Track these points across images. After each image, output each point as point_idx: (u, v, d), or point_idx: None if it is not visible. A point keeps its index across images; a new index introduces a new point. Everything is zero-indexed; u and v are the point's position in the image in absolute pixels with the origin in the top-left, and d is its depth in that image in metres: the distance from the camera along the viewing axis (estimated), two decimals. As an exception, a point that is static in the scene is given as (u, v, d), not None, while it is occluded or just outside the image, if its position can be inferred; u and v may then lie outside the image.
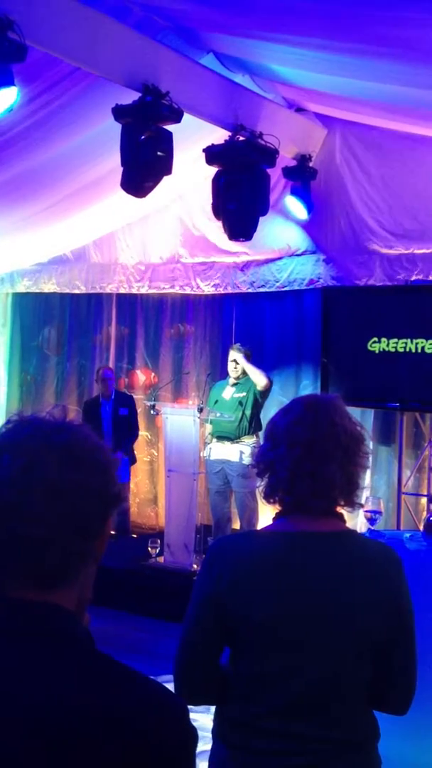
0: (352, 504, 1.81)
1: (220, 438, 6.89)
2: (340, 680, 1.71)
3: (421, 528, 5.00)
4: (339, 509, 1.81)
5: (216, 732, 1.80)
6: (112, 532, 7.73)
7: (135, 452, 8.05)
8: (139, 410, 8.14)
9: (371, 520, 3.81)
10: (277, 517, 1.82)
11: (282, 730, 1.70)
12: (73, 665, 1.05)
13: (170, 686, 1.41)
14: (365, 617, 1.71)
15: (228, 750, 1.76)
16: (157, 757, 1.01)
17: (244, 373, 6.90)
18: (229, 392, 6.96)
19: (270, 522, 1.85)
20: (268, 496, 1.80)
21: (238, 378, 6.93)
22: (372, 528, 3.81)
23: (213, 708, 1.86)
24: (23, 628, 1.05)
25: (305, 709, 1.70)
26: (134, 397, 8.25)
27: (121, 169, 5.47)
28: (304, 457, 1.73)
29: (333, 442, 1.74)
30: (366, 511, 3.75)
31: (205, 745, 1.77)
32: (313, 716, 1.70)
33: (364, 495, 3.88)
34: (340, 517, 1.81)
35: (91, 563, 1.12)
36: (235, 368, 6.91)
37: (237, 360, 6.87)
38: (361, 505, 1.90)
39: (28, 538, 1.04)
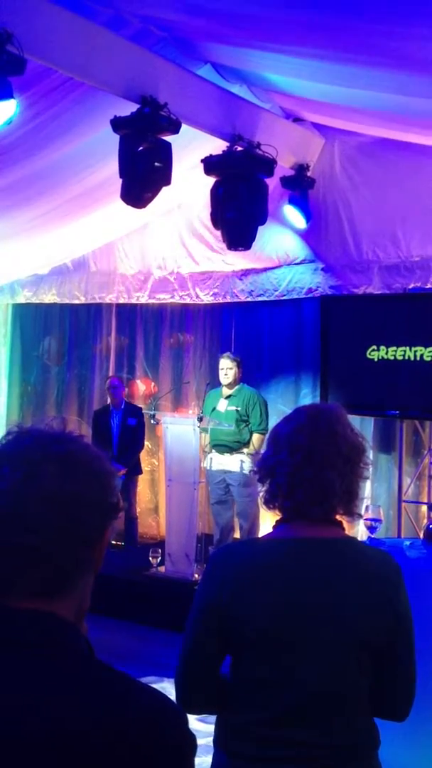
0: (351, 514, 1.82)
1: (220, 448, 6.91)
2: (340, 687, 1.72)
3: (422, 536, 5.01)
4: (339, 517, 1.82)
5: (217, 740, 1.81)
6: (120, 543, 7.74)
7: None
8: (141, 420, 8.17)
9: (371, 528, 3.82)
10: (278, 525, 1.84)
11: (283, 737, 1.70)
12: (72, 675, 1.05)
13: (171, 695, 1.42)
14: (365, 624, 1.72)
15: (229, 758, 1.76)
16: (157, 762, 1.02)
17: (236, 381, 6.94)
18: (223, 405, 6.99)
19: (271, 529, 1.87)
20: (268, 502, 1.82)
21: (230, 386, 6.96)
22: (372, 536, 3.82)
23: (213, 717, 1.87)
24: (23, 639, 1.06)
25: (306, 716, 1.70)
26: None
27: (118, 178, 5.50)
28: (305, 464, 1.75)
29: (333, 450, 1.76)
30: (366, 519, 3.76)
31: (206, 756, 1.78)
32: (313, 723, 1.70)
33: (364, 504, 3.89)
34: (340, 524, 1.82)
35: (89, 573, 1.13)
36: (226, 375, 6.95)
37: (231, 368, 6.92)
38: (360, 516, 1.92)
39: (27, 547, 1.05)
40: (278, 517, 1.86)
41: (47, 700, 1.02)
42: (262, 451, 1.90)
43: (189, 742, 1.06)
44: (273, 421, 6.96)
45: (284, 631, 1.71)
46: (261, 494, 1.83)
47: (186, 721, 1.08)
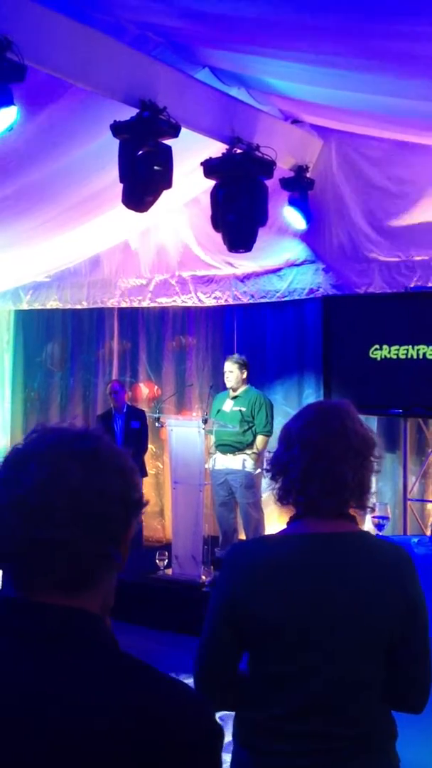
0: (363, 507, 1.85)
1: (223, 449, 6.93)
2: (357, 679, 1.74)
3: (429, 533, 5.02)
4: (352, 512, 1.84)
5: (237, 736, 1.83)
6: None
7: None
8: (145, 423, 8.19)
9: (379, 526, 3.84)
10: (291, 521, 1.86)
11: (301, 730, 1.72)
12: (101, 667, 1.08)
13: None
14: (380, 616, 1.74)
15: (249, 754, 1.78)
16: (184, 754, 1.04)
17: (240, 383, 6.97)
18: (228, 405, 7.01)
19: (281, 528, 1.89)
20: (282, 498, 1.84)
21: (235, 389, 6.99)
22: (380, 534, 3.83)
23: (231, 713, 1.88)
24: (52, 633, 1.08)
25: (323, 709, 1.72)
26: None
27: (118, 184, 5.52)
28: (317, 458, 1.78)
29: (344, 443, 1.79)
30: (374, 517, 3.78)
31: (225, 754, 1.80)
32: (331, 715, 1.72)
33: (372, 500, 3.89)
34: (353, 519, 1.84)
35: (114, 568, 1.16)
36: (228, 378, 6.99)
37: (232, 371, 6.94)
38: (372, 509, 1.94)
39: (55, 542, 1.07)
40: (288, 516, 1.88)
41: (76, 692, 1.04)
42: (266, 452, 1.92)
43: (216, 734, 1.08)
44: (278, 422, 6.99)
45: (300, 626, 1.73)
46: (275, 491, 1.85)
47: (213, 711, 1.10)
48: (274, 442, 7.22)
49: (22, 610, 1.10)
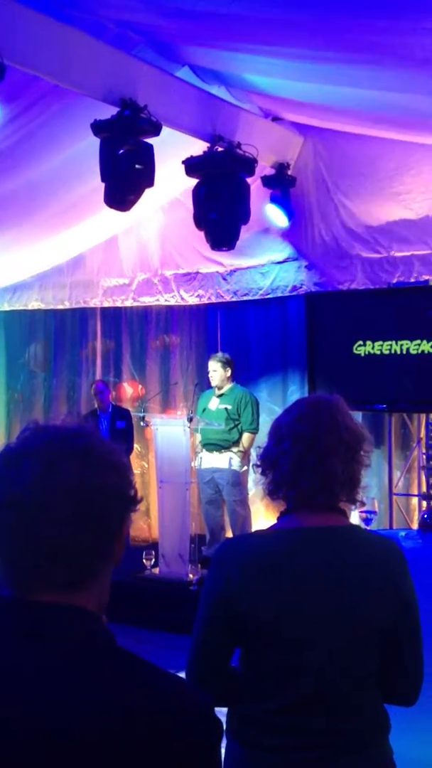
0: (354, 501, 1.85)
1: (209, 447, 6.93)
2: (350, 673, 1.75)
3: (415, 526, 5.05)
4: (342, 506, 1.85)
5: (230, 730, 1.83)
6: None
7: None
8: (130, 423, 8.17)
9: (366, 521, 3.86)
10: (282, 516, 1.86)
11: (295, 725, 1.73)
12: (99, 664, 1.07)
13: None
14: (372, 609, 1.75)
15: (243, 748, 1.78)
16: (184, 750, 1.04)
17: (224, 381, 6.97)
18: (214, 403, 7.01)
19: (268, 525, 1.89)
20: (272, 493, 1.84)
21: (220, 387, 6.99)
22: (367, 528, 3.85)
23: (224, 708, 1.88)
24: (49, 632, 1.07)
25: (317, 703, 1.73)
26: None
27: (100, 184, 5.51)
28: (307, 452, 1.78)
29: (335, 437, 1.79)
30: (361, 512, 3.79)
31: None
32: (324, 710, 1.73)
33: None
34: (343, 512, 1.85)
35: (109, 565, 1.15)
36: (212, 377, 7.00)
37: (215, 370, 6.95)
38: (363, 503, 1.95)
39: (51, 539, 1.07)
40: (277, 512, 1.89)
41: (76, 692, 1.04)
42: (257, 448, 1.91)
43: (218, 731, 1.09)
44: (263, 420, 7.01)
45: (292, 620, 1.73)
46: (264, 485, 1.85)
47: (212, 707, 1.10)
48: (259, 440, 7.25)
49: (18, 609, 1.09)
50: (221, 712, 1.90)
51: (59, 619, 1.08)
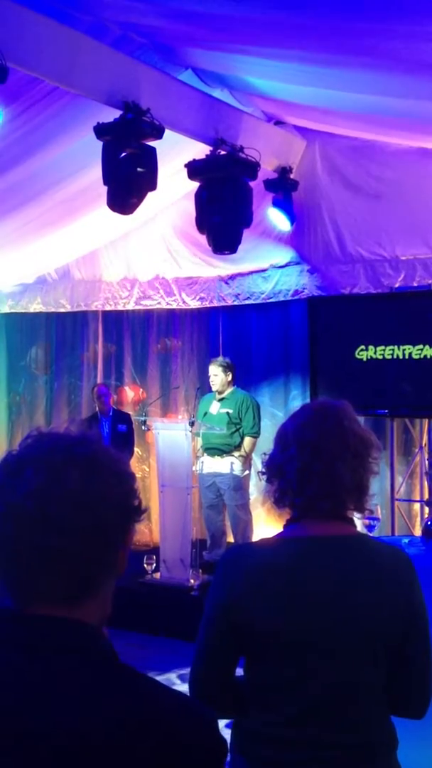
0: (362, 510, 1.82)
1: (211, 451, 6.91)
2: (356, 684, 1.72)
3: (418, 533, 5.01)
4: (349, 514, 1.81)
5: (234, 744, 1.80)
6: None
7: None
8: (131, 427, 8.14)
9: (369, 527, 3.82)
10: (288, 524, 1.82)
11: (300, 737, 1.69)
12: (99, 679, 1.04)
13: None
14: (379, 620, 1.72)
15: (248, 761, 1.75)
16: (188, 767, 1.01)
17: (225, 385, 6.95)
18: (215, 407, 6.99)
19: (276, 531, 1.86)
20: (279, 501, 1.80)
21: (220, 391, 6.97)
22: (370, 535, 3.81)
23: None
24: (50, 645, 1.04)
25: (322, 715, 1.70)
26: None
27: (100, 185, 5.48)
28: (314, 458, 1.75)
29: (342, 444, 1.76)
30: (364, 518, 3.75)
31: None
32: (330, 722, 1.69)
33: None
34: (351, 521, 1.82)
35: (112, 576, 1.12)
36: (212, 381, 6.97)
37: (216, 374, 6.92)
38: (372, 511, 1.91)
39: (53, 549, 1.04)
40: (280, 519, 1.85)
41: (77, 706, 1.01)
42: (262, 454, 1.88)
43: (219, 747, 1.05)
44: (265, 424, 6.98)
45: (298, 630, 1.70)
46: (271, 494, 1.81)
47: (217, 723, 1.07)
48: (261, 444, 7.20)
49: (19, 622, 1.06)
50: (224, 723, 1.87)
51: (59, 633, 1.05)
